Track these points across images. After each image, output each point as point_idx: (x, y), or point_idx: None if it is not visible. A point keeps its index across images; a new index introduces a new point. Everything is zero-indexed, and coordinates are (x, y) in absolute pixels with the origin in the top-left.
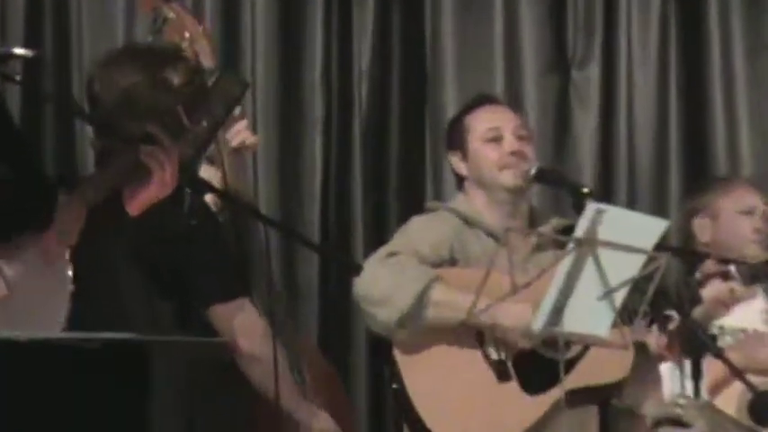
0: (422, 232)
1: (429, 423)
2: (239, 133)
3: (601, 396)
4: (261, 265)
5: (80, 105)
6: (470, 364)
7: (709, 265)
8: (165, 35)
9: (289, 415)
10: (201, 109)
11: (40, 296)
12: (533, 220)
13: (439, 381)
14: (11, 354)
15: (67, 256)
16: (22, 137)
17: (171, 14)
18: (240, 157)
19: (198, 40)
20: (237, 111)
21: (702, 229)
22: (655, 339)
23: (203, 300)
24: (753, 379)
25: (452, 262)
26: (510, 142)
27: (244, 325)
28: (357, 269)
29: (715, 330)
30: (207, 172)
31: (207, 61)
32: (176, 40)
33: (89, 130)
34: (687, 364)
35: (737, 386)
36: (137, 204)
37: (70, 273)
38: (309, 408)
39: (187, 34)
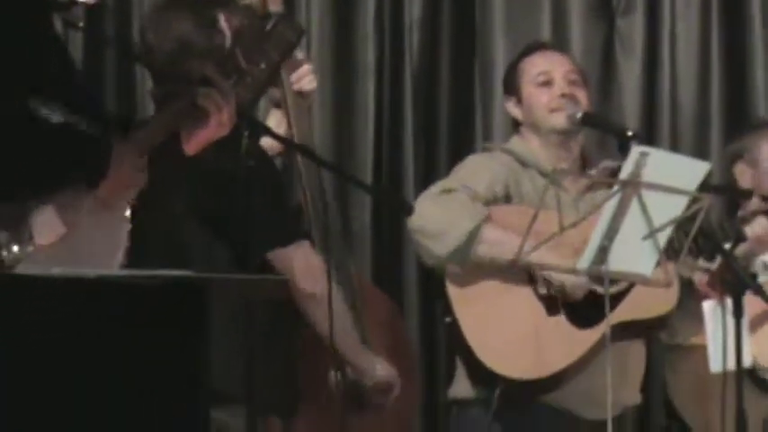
0: (478, 170)
1: (479, 354)
2: (300, 79)
3: (647, 329)
4: (317, 207)
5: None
6: (520, 298)
7: (754, 204)
8: None
9: (347, 360)
10: (258, 52)
11: (98, 235)
12: (585, 162)
13: (489, 313)
14: (72, 291)
15: (125, 201)
16: (84, 82)
17: None
18: (303, 102)
19: None
20: (301, 55)
21: (743, 174)
22: (698, 277)
23: (263, 244)
24: None
25: (507, 199)
26: (560, 86)
27: (304, 266)
28: (409, 210)
29: (759, 267)
30: (275, 116)
31: (275, 6)
32: None
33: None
34: (729, 302)
35: None
36: (193, 144)
37: (128, 213)
38: (368, 356)
39: None
